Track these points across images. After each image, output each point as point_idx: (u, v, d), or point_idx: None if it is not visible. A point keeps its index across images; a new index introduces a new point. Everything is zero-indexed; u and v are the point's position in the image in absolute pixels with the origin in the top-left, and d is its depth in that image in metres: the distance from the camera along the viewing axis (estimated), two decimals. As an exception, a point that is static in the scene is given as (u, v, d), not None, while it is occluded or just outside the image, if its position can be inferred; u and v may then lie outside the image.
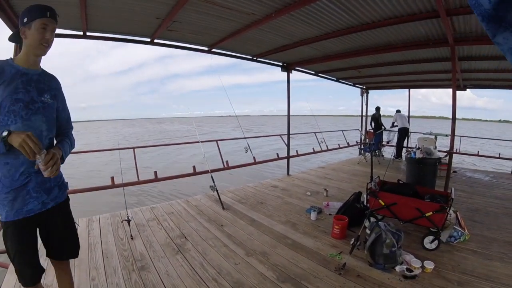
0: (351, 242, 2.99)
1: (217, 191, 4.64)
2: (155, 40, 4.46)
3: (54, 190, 1.60)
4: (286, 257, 3.01)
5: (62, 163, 1.56)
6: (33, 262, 1.53)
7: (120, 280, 2.57)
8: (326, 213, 4.22)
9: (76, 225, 1.84)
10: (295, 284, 2.52)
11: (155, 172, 5.26)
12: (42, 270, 1.60)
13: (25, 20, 1.42)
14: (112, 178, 4.65)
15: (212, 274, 2.69)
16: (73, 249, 1.77)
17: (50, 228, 1.63)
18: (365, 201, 3.72)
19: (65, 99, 1.70)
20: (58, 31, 4.11)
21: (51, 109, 1.55)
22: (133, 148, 5.53)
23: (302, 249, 3.18)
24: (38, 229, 1.60)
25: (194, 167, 5.70)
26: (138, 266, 2.81)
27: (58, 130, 1.66)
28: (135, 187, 6.32)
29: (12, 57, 1.48)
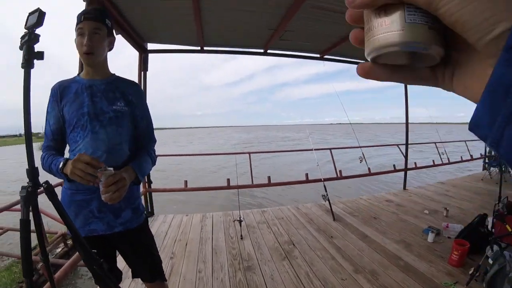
0: (470, 272, 2.50)
1: (328, 200, 4.46)
2: (268, 51, 4.63)
3: (125, 213, 1.40)
4: (396, 279, 2.64)
5: (139, 183, 1.41)
6: (99, 271, 1.32)
7: (225, 276, 2.71)
8: (445, 236, 3.63)
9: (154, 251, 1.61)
10: (406, 311, 2.20)
11: (269, 177, 5.42)
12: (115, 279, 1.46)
13: None
14: (228, 180, 5.00)
15: (317, 285, 2.57)
16: (147, 277, 1.59)
17: (121, 250, 1.54)
18: (489, 226, 3.13)
19: (146, 107, 1.50)
20: (180, 47, 4.68)
21: (126, 117, 1.38)
22: (249, 153, 5.81)
23: (414, 273, 2.76)
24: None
25: (306, 174, 5.65)
26: (244, 266, 2.91)
27: (137, 143, 1.49)
28: (248, 190, 6.66)
29: (80, 73, 1.40)
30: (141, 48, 4.11)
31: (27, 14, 0.87)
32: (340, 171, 5.85)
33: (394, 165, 6.71)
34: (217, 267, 2.89)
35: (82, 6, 2.32)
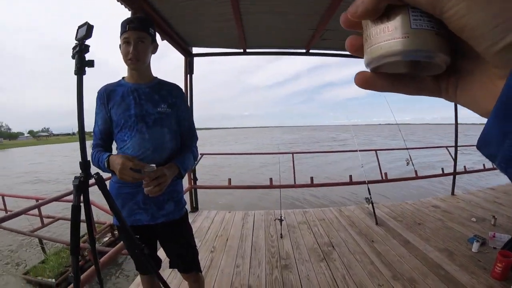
0: (512, 286, 2.30)
1: (372, 204, 4.33)
2: (310, 50, 4.59)
3: (168, 205, 1.51)
4: (435, 289, 2.52)
5: (181, 178, 1.54)
6: (140, 255, 1.40)
7: (262, 273, 2.76)
8: (491, 246, 3.34)
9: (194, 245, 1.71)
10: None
11: (311, 178, 5.36)
12: (155, 265, 1.55)
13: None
14: (271, 179, 5.04)
15: (352, 289, 2.53)
16: (184, 267, 1.68)
17: (161, 240, 1.64)
18: None
19: (188, 108, 1.61)
20: (223, 50, 4.81)
21: (170, 119, 1.48)
22: (292, 153, 5.81)
23: (454, 284, 2.58)
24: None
25: (350, 176, 5.47)
26: (281, 264, 2.94)
27: (180, 140, 1.59)
28: (290, 190, 6.67)
29: (124, 76, 1.50)
30: (186, 52, 4.32)
31: (77, 27, 1.00)
32: (386, 174, 5.60)
33: (442, 169, 6.28)
34: (255, 263, 2.95)
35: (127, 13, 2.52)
